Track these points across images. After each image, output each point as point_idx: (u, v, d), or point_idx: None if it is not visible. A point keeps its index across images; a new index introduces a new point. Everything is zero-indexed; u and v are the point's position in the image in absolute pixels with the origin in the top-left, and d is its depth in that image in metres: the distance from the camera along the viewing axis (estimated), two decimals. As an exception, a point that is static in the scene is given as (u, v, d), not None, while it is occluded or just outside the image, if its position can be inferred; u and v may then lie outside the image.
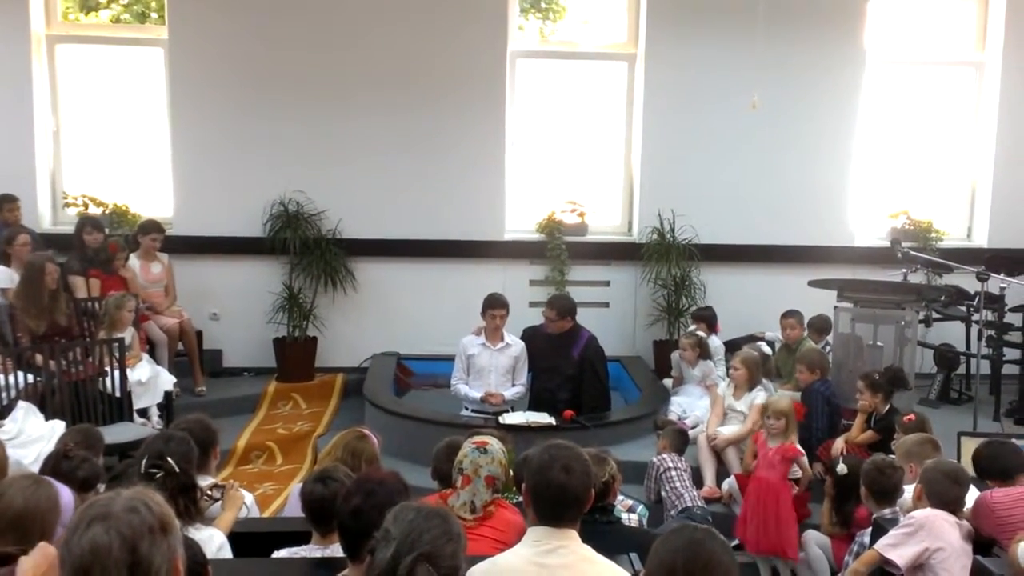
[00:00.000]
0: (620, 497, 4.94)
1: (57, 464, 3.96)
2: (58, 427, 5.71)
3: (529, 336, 7.20)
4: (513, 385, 7.01)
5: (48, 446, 5.20)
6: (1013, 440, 4.99)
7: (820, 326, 7.34)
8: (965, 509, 4.27)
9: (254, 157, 8.36)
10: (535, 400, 7.04)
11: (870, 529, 4.56)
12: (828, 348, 7.21)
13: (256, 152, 8.36)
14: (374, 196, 8.45)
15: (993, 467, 4.44)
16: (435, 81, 8.40)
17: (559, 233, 8.60)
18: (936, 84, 9.08)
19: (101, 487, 3.97)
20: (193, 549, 3.93)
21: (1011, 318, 7.82)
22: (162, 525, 1.97)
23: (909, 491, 4.53)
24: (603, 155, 8.96)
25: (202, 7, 8.27)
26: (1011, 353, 7.79)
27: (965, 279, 7.79)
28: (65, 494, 3.08)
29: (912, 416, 5.50)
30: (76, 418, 6.05)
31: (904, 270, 7.89)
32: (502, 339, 7.03)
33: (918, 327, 7.28)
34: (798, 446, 5.61)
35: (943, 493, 4.13)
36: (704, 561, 2.30)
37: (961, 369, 8.17)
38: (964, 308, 8.01)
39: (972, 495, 4.33)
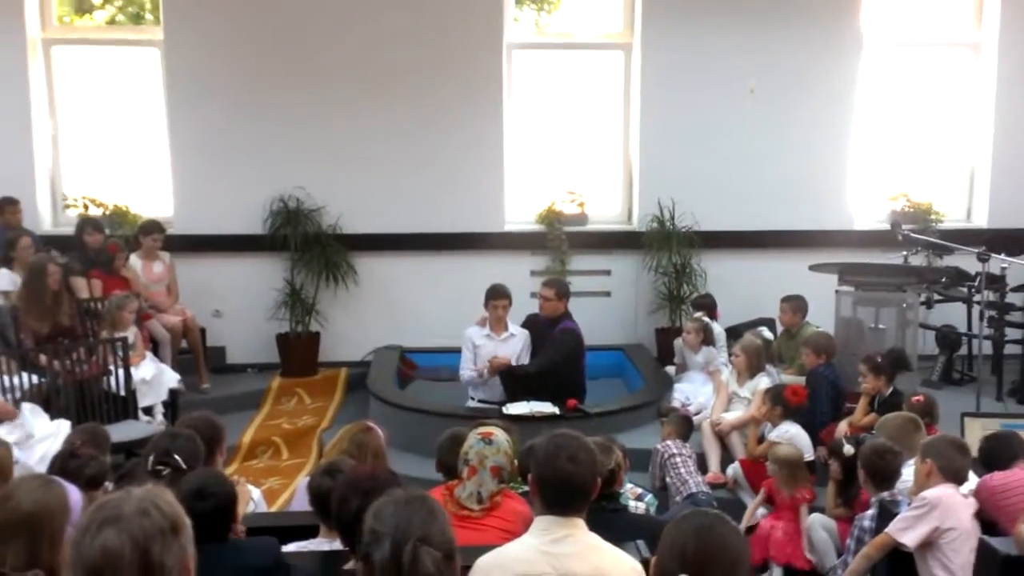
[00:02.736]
0: (629, 485, 4.95)
1: (64, 463, 3.97)
2: (64, 426, 5.74)
3: (529, 323, 7.22)
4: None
5: (55, 444, 5.22)
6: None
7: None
8: (967, 489, 4.29)
9: (252, 154, 8.37)
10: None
11: (871, 512, 4.57)
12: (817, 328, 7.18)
13: (254, 149, 8.36)
14: (373, 190, 8.45)
15: (1003, 455, 4.45)
16: (432, 74, 8.40)
17: (559, 223, 8.60)
18: (933, 65, 9.06)
19: (109, 485, 4.00)
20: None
21: (1012, 298, 7.81)
22: (173, 526, 1.97)
23: (907, 473, 4.55)
24: (601, 144, 8.95)
25: (196, 7, 8.26)
26: (1013, 333, 7.79)
27: (966, 260, 7.79)
28: (73, 493, 3.09)
29: (921, 397, 5.50)
30: (81, 418, 6.06)
31: (904, 252, 7.89)
32: (506, 329, 7.04)
33: (919, 309, 7.29)
34: (809, 493, 5.48)
35: (952, 462, 4.16)
36: (715, 545, 2.31)
37: (963, 350, 8.17)
38: (965, 289, 8.01)
39: (972, 480, 4.35)
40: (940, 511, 4.00)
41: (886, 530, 4.14)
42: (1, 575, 2.65)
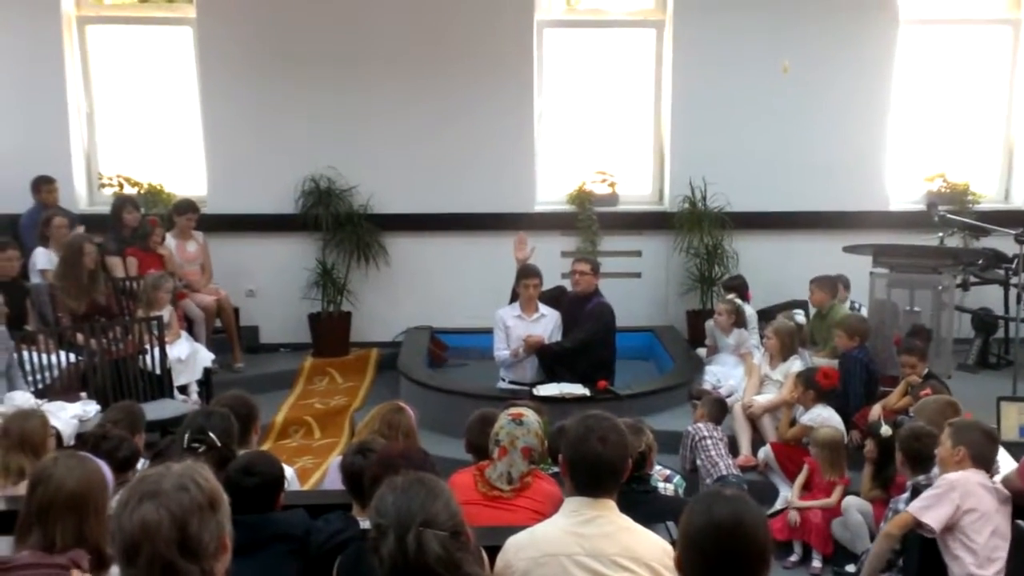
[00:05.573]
0: (657, 467, 4.96)
1: (97, 445, 4.04)
2: (91, 407, 5.81)
3: (556, 299, 7.16)
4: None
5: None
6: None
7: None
8: (999, 476, 4.24)
9: (284, 134, 8.40)
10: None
11: (906, 495, 4.54)
12: (859, 307, 7.13)
13: (286, 129, 8.39)
14: (404, 171, 8.46)
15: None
16: (462, 53, 8.37)
17: (590, 204, 8.58)
18: (971, 43, 8.88)
19: (144, 463, 4.06)
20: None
21: (1051, 281, 7.70)
22: (211, 502, 2.00)
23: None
24: (633, 124, 8.88)
25: (228, -15, 8.29)
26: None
27: (1003, 242, 7.66)
28: (106, 470, 3.15)
29: (928, 391, 5.45)
30: (117, 396, 6.14)
31: (940, 234, 7.79)
32: (536, 309, 7.01)
33: (955, 291, 7.19)
34: (847, 476, 5.56)
35: (984, 451, 4.13)
36: (735, 524, 2.28)
37: (1000, 333, 8.06)
38: (1002, 271, 7.90)
39: (1008, 463, 4.30)
40: (960, 492, 3.99)
41: (907, 508, 4.13)
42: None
